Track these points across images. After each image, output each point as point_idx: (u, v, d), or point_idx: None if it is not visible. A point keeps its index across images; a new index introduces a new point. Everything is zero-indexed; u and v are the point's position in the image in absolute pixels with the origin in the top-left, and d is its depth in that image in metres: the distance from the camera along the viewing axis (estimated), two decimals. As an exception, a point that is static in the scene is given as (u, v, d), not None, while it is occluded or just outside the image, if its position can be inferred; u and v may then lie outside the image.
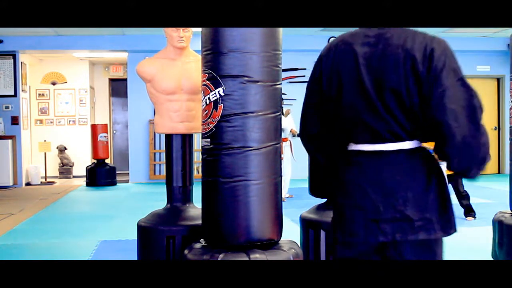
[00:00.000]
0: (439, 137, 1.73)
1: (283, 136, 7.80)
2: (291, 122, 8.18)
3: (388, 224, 1.76)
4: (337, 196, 1.89)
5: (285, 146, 7.89)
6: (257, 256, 2.76)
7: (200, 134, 3.03)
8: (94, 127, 10.36)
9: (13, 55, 10.14)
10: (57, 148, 11.77)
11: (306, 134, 1.98)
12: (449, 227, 1.85)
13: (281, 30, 2.91)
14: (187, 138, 3.76)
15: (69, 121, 12.12)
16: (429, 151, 1.86)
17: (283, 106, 8.74)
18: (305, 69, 10.64)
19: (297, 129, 8.36)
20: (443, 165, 5.68)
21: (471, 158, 1.74)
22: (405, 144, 1.78)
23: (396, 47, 1.76)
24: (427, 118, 1.73)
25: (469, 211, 6.17)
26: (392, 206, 1.75)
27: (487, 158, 1.77)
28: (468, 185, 8.99)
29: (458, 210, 6.34)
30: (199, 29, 2.96)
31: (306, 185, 3.94)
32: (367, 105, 1.76)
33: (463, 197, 6.18)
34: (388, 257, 1.88)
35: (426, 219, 1.78)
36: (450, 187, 6.26)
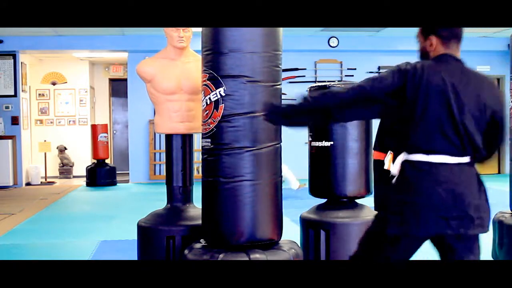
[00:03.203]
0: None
1: None
2: None
3: (455, 221, 2.19)
4: (408, 196, 2.23)
5: None
6: (257, 256, 2.76)
7: (200, 134, 3.03)
8: (94, 127, 10.36)
9: (13, 55, 10.14)
10: (57, 148, 11.77)
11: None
12: (488, 225, 2.30)
13: (281, 30, 2.91)
14: (187, 138, 3.76)
15: (69, 121, 12.11)
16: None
17: None
18: (305, 69, 10.64)
19: None
20: None
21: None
22: (465, 158, 2.24)
23: (475, 85, 2.26)
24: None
25: None
26: (459, 208, 2.19)
27: None
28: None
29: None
30: (199, 29, 2.96)
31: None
32: (451, 124, 2.20)
33: None
34: (443, 248, 2.30)
35: (481, 218, 2.24)
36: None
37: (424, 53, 2.34)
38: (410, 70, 2.22)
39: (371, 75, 11.09)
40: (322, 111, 2.33)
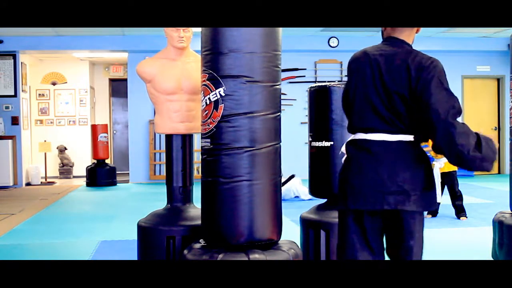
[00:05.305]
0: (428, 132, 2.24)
1: None
2: None
3: (392, 196, 2.24)
4: (349, 173, 2.33)
5: None
6: (256, 256, 2.76)
7: (200, 134, 3.03)
8: (94, 127, 10.36)
9: (13, 55, 10.13)
10: (57, 148, 11.77)
11: None
12: (432, 204, 2.34)
13: (281, 31, 2.91)
14: (187, 138, 3.77)
15: (69, 121, 12.12)
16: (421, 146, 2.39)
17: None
18: (305, 69, 10.64)
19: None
20: (438, 163, 5.82)
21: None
22: (407, 137, 2.28)
23: (401, 65, 2.27)
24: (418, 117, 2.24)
25: (461, 211, 6.20)
26: (396, 184, 2.24)
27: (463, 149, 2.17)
28: (468, 185, 9.00)
29: (450, 210, 6.33)
30: (199, 29, 2.96)
31: (306, 185, 3.94)
32: (379, 102, 2.26)
33: (457, 198, 6.20)
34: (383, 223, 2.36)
35: (419, 195, 2.27)
36: (445, 188, 6.27)
37: (382, 35, 2.49)
38: (351, 60, 2.40)
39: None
40: None
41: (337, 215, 2.49)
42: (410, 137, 2.29)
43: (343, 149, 2.47)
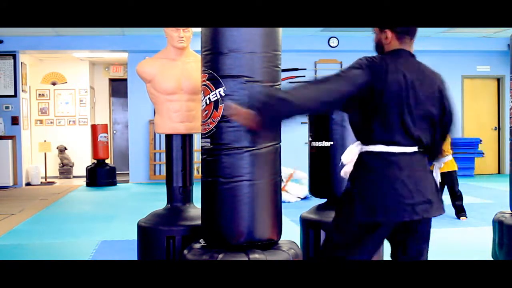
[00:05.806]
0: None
1: None
2: None
3: (419, 206, 2.31)
4: (374, 185, 2.31)
5: None
6: (256, 256, 2.76)
7: (200, 134, 3.03)
8: (94, 127, 10.36)
9: (13, 55, 10.14)
10: (57, 148, 11.77)
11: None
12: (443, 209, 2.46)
13: (281, 31, 2.92)
14: (187, 138, 3.77)
15: (69, 121, 12.12)
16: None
17: None
18: (305, 69, 10.64)
19: None
20: (438, 163, 5.82)
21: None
22: (416, 148, 2.35)
23: (430, 82, 2.36)
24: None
25: (461, 211, 6.19)
26: (421, 194, 2.30)
27: None
28: (468, 185, 8.99)
29: (450, 210, 6.32)
30: (199, 29, 2.96)
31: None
32: (410, 120, 2.30)
33: (457, 198, 6.19)
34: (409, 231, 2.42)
35: (438, 202, 2.39)
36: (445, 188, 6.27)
37: (379, 46, 2.44)
38: (377, 65, 2.30)
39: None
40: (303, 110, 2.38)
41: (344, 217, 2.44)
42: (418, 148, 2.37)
43: (345, 159, 2.43)
